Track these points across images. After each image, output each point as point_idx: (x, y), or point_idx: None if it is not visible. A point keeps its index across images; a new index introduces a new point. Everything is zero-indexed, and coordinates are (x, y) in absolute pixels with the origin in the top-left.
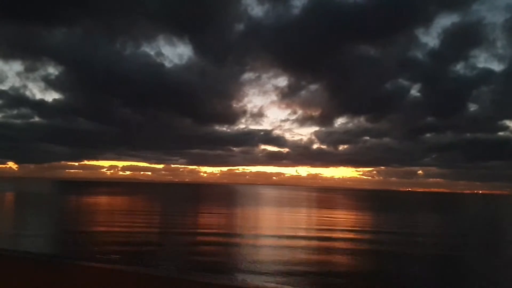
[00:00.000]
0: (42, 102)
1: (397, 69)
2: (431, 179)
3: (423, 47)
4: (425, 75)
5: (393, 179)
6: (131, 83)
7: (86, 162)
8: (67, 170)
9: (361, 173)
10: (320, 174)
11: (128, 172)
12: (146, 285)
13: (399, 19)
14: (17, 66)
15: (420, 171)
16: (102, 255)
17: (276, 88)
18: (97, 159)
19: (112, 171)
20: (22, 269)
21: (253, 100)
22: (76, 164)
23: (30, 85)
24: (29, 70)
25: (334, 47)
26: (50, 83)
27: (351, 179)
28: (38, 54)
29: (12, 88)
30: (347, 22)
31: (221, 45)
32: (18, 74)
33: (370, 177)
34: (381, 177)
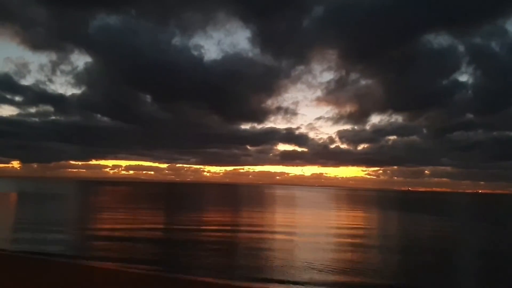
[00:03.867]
0: (63, 99)
1: (464, 62)
2: (435, 179)
3: (506, 37)
4: (491, 68)
5: (396, 178)
6: (165, 77)
7: (93, 161)
8: (69, 170)
9: (366, 172)
10: (324, 173)
11: (131, 172)
12: (152, 285)
13: (490, 5)
14: (43, 58)
15: (427, 171)
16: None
17: (321, 83)
18: (106, 158)
19: (115, 170)
20: (24, 268)
21: (294, 95)
22: (80, 163)
23: (55, 79)
24: (57, 62)
25: (407, 36)
26: (77, 77)
27: (353, 179)
28: (72, 44)
29: (36, 82)
30: (434, 6)
31: (289, 31)
32: (44, 66)
33: (375, 177)
34: (385, 177)
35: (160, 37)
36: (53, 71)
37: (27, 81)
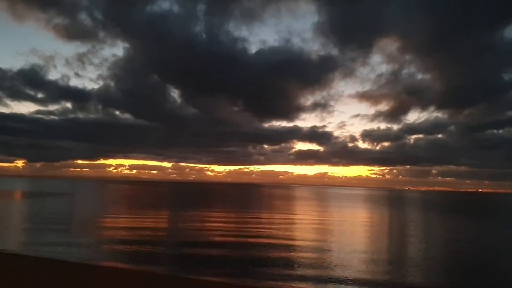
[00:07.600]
0: (87, 95)
1: None
2: (440, 178)
3: None
4: None
5: (401, 177)
6: (204, 68)
7: (102, 160)
8: (71, 169)
9: (371, 172)
10: (329, 173)
11: (134, 171)
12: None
13: None
14: (72, 49)
15: (434, 170)
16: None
17: (372, 78)
18: (116, 158)
19: (118, 169)
20: (29, 268)
21: (339, 91)
22: (85, 162)
23: (84, 73)
24: (87, 55)
25: (490, 25)
26: (107, 71)
27: (356, 178)
28: (113, 33)
29: (62, 77)
30: None
31: (367, 17)
32: (73, 59)
33: (380, 176)
34: (390, 176)
35: (213, 24)
36: (82, 64)
37: (53, 75)
